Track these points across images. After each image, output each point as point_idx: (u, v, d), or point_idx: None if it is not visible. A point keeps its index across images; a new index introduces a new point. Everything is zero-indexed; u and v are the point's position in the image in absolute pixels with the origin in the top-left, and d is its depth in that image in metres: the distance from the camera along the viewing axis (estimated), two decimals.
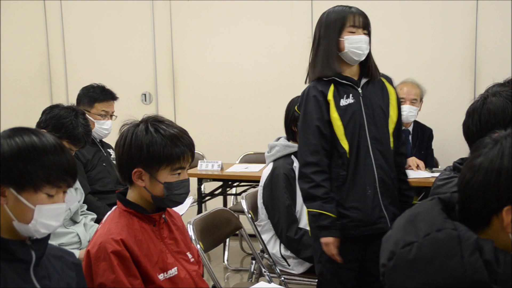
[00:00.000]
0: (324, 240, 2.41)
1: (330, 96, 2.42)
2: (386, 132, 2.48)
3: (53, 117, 2.77)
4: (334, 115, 2.41)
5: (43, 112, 2.83)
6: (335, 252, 2.41)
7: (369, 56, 2.45)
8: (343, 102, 2.43)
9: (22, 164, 1.41)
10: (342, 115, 2.41)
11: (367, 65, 2.46)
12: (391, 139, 2.50)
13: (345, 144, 2.42)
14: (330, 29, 2.43)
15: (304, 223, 3.07)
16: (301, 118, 2.50)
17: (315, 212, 2.42)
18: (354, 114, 2.42)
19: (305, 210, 3.05)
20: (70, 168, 1.48)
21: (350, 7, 2.46)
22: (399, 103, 2.56)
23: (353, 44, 2.38)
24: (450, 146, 4.21)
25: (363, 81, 2.47)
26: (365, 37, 2.41)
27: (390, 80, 2.57)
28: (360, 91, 2.45)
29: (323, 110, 2.42)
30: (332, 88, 2.43)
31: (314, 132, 2.42)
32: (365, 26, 2.43)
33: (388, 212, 2.44)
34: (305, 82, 2.53)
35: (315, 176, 2.41)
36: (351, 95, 2.44)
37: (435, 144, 4.25)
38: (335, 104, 2.42)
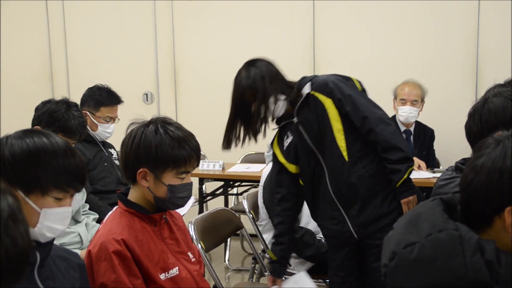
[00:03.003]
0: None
1: (274, 146, 2.69)
2: (331, 147, 2.53)
3: (45, 112, 2.76)
4: (283, 160, 2.65)
5: (36, 109, 2.83)
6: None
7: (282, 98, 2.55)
8: (285, 144, 2.64)
9: (31, 167, 1.40)
10: (288, 157, 2.64)
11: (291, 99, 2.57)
12: (342, 150, 2.51)
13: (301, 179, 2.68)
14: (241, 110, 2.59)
15: (304, 222, 3.07)
16: None
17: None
18: (296, 149, 2.61)
19: (305, 209, 3.06)
20: (79, 173, 1.47)
21: (240, 80, 2.57)
22: (346, 102, 2.49)
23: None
24: (452, 146, 4.21)
25: (296, 109, 2.56)
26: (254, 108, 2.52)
27: (323, 89, 2.52)
28: (296, 120, 2.56)
29: (275, 161, 2.71)
30: (276, 137, 2.69)
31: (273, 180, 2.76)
32: (255, 98, 2.52)
33: (355, 221, 2.56)
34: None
35: (275, 218, 2.74)
36: (288, 132, 2.62)
37: (436, 145, 4.25)
38: (280, 150, 2.66)
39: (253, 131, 2.57)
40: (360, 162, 2.51)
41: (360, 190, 2.51)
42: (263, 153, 4.65)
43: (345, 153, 2.51)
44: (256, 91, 2.50)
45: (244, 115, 2.56)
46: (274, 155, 2.70)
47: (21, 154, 1.41)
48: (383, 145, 2.47)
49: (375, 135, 2.47)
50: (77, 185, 1.48)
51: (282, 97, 2.53)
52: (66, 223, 1.49)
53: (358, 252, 2.63)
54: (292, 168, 2.65)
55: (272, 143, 2.70)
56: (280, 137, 2.67)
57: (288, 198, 2.68)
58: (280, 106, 2.52)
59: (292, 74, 4.90)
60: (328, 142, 2.53)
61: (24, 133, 1.46)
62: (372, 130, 2.47)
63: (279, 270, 2.73)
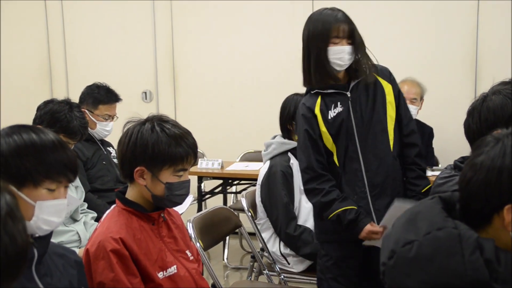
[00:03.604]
0: (362, 233, 2.39)
1: (317, 110, 2.45)
2: (381, 133, 2.46)
3: (47, 112, 2.76)
4: (323, 129, 2.45)
5: (38, 108, 2.83)
6: (378, 231, 2.37)
7: (357, 59, 2.41)
8: (331, 113, 2.45)
9: (20, 160, 1.41)
10: (330, 128, 2.44)
11: (354, 68, 2.44)
12: (390, 138, 2.47)
13: (334, 155, 2.47)
14: (315, 40, 2.39)
15: (302, 220, 3.07)
16: (298, 136, 2.56)
17: (338, 213, 2.41)
18: (342, 123, 2.44)
19: (303, 207, 3.05)
20: (70, 163, 1.48)
21: (336, 14, 2.41)
22: (400, 96, 2.52)
23: (336, 55, 2.37)
24: (451, 144, 4.20)
25: (353, 83, 2.45)
26: (348, 48, 2.38)
27: (386, 75, 2.51)
28: (349, 95, 2.45)
29: (314, 126, 2.45)
30: (319, 101, 2.46)
31: (308, 149, 2.46)
32: (349, 35, 2.39)
33: (381, 215, 2.40)
34: (304, 85, 2.53)
35: (322, 185, 2.45)
36: (339, 103, 2.45)
37: (435, 143, 4.25)
38: (322, 117, 2.44)
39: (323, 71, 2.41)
40: (397, 160, 2.49)
41: (395, 185, 2.47)
42: (261, 151, 4.65)
43: (392, 143, 2.47)
44: (353, 29, 2.41)
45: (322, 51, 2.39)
46: (314, 119, 2.44)
47: (9, 150, 1.41)
48: (420, 150, 2.50)
49: (416, 139, 2.52)
50: (69, 175, 1.48)
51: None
52: (62, 216, 1.49)
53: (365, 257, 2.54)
54: (329, 141, 2.46)
55: (313, 108, 2.45)
56: (324, 104, 2.46)
57: (327, 168, 2.49)
58: (348, 60, 2.40)
59: (290, 72, 4.92)
60: (377, 127, 2.44)
61: (11, 129, 1.46)
62: (415, 132, 2.51)
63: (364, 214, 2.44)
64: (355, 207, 2.41)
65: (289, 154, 3.12)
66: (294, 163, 3.08)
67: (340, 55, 2.37)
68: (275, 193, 3.05)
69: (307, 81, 2.48)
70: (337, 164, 2.47)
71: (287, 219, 3.02)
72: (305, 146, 2.47)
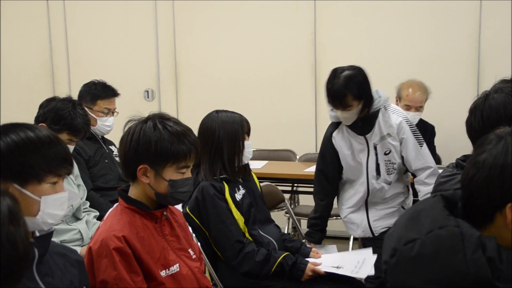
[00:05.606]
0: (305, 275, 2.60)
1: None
2: None
3: (51, 110, 2.77)
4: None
5: (40, 106, 2.83)
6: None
7: None
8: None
9: (22, 158, 1.42)
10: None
11: None
12: None
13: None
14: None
15: None
16: None
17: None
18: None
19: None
20: (67, 156, 1.51)
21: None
22: None
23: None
24: (453, 143, 4.20)
25: None
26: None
27: None
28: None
29: None
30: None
31: None
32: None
33: None
34: None
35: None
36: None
37: (437, 141, 4.24)
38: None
39: None
40: None
41: None
42: (264, 150, 4.67)
43: None
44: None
45: None
46: None
47: (9, 149, 1.41)
48: None
49: None
50: (68, 167, 1.51)
51: None
52: (64, 208, 1.51)
53: None
54: None
55: None
56: None
57: None
58: None
59: (293, 70, 4.93)
60: None
61: (5, 128, 1.46)
62: None
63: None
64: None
65: None
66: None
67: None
68: None
69: None
70: None
71: None
72: None
